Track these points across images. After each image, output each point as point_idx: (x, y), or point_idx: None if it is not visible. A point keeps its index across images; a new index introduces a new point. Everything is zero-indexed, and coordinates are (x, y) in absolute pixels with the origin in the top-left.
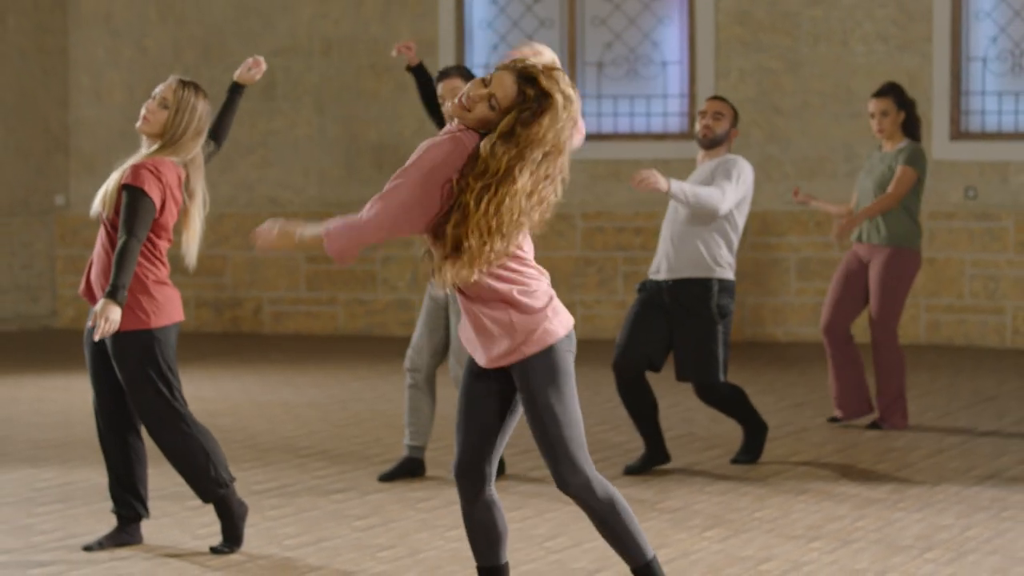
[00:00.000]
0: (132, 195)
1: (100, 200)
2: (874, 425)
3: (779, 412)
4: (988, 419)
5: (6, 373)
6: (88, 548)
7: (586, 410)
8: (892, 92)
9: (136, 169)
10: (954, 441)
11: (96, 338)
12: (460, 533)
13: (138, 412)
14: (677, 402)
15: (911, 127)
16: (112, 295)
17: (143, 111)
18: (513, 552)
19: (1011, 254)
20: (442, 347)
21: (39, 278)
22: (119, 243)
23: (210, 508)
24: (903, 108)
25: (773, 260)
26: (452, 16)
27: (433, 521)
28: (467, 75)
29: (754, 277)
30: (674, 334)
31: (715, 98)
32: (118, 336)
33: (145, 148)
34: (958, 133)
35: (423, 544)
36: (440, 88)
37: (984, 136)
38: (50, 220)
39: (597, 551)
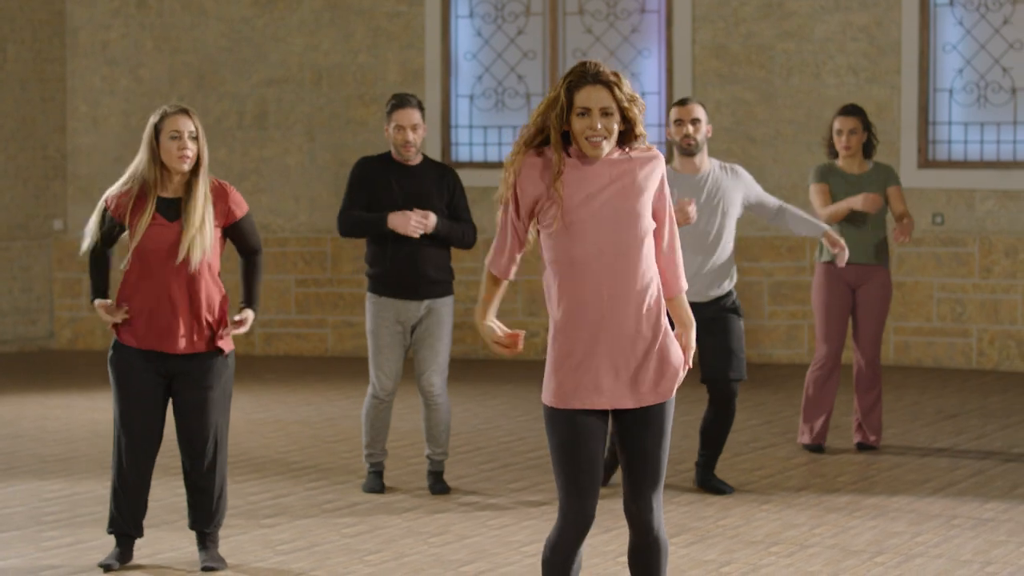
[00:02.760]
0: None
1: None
2: (870, 446)
3: (749, 429)
4: (946, 436)
5: (8, 392)
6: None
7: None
8: (860, 112)
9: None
10: (912, 456)
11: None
12: (443, 539)
13: (214, 432)
14: None
15: (869, 148)
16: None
17: (186, 151)
18: (493, 556)
19: (976, 278)
20: (402, 369)
21: (38, 301)
22: (259, 261)
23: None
24: (867, 129)
25: (747, 284)
26: (438, 47)
27: (418, 528)
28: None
29: None
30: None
31: (688, 103)
32: (223, 356)
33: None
34: (925, 162)
35: (408, 549)
36: (400, 117)
37: (951, 164)
38: (48, 244)
39: None
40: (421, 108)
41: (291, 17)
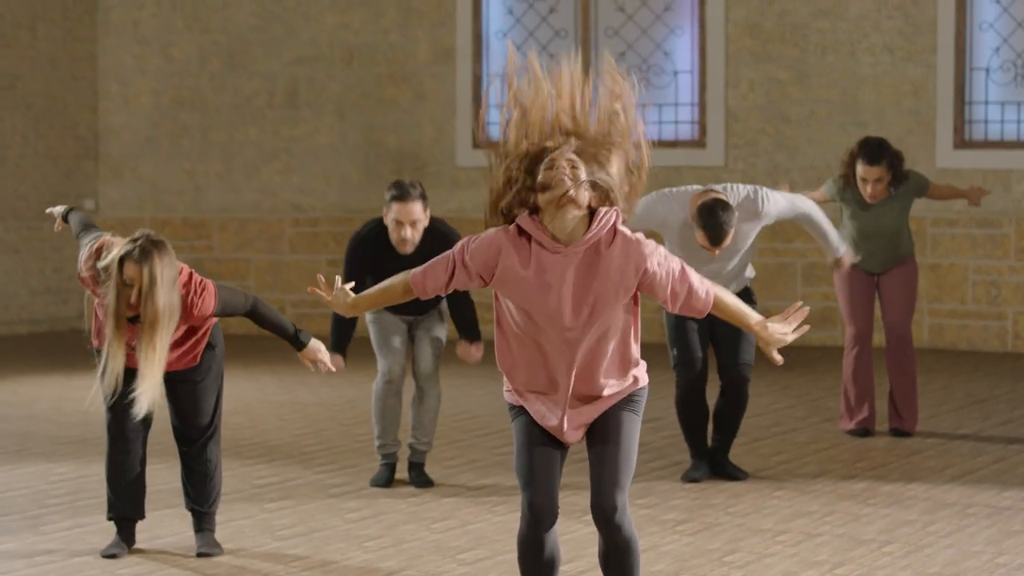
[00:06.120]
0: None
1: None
2: (905, 432)
3: (772, 412)
4: (972, 421)
5: (33, 373)
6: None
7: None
8: (886, 157)
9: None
10: (934, 442)
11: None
12: (445, 525)
13: (207, 418)
14: (671, 405)
15: (897, 180)
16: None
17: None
18: (493, 543)
19: (1012, 260)
20: (408, 352)
21: (69, 281)
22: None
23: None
24: (891, 167)
25: (781, 265)
26: (469, 26)
27: (422, 514)
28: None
29: (762, 282)
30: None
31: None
32: (211, 350)
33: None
34: (961, 142)
35: (408, 535)
36: (400, 212)
37: (987, 144)
38: None
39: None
40: (424, 198)
41: None
